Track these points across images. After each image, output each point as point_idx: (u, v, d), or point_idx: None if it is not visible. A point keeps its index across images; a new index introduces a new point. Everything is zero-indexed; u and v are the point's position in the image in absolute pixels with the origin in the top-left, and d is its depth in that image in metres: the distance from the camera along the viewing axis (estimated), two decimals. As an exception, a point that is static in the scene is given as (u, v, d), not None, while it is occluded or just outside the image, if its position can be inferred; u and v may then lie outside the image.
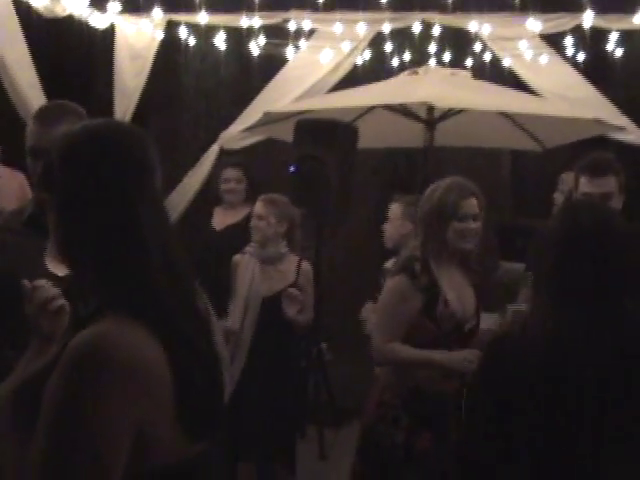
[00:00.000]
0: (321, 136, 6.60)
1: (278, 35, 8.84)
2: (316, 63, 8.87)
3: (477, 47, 8.87)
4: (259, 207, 5.81)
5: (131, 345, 1.85)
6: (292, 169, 6.65)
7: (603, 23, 8.65)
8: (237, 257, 5.87)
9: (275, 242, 5.80)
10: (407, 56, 9.05)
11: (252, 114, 8.57)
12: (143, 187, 1.99)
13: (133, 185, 1.97)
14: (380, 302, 4.43)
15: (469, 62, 9.00)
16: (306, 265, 5.91)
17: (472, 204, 4.26)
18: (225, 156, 8.66)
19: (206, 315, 2.08)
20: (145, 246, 1.95)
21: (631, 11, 8.54)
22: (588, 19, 8.42)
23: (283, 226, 5.82)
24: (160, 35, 8.85)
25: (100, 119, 2.09)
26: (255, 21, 8.58)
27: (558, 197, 7.27)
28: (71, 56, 8.72)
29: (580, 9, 8.43)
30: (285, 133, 7.18)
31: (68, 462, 1.77)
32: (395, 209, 6.20)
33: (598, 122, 7.47)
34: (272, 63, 8.98)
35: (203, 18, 8.46)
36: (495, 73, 8.80)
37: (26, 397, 2.00)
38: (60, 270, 2.65)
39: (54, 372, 1.84)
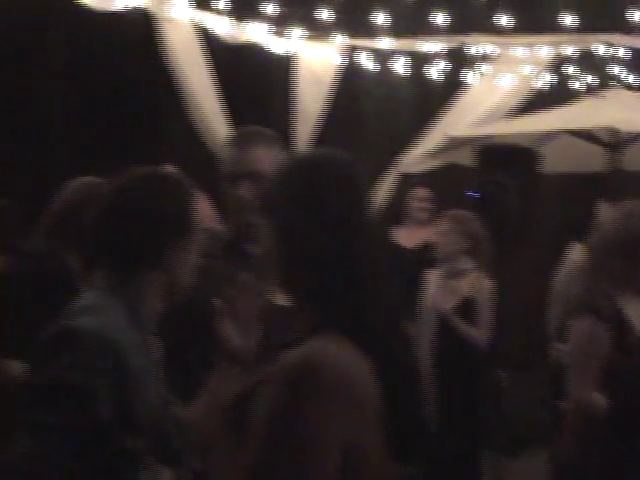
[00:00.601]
0: (503, 161, 6.57)
1: (458, 59, 8.82)
2: (496, 87, 8.80)
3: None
4: (443, 223, 5.87)
5: (342, 364, 1.88)
6: (472, 194, 6.63)
7: None
8: (428, 272, 5.98)
9: (457, 258, 5.83)
10: (590, 79, 8.89)
11: (432, 138, 8.56)
12: (358, 211, 2.05)
13: (349, 209, 2.03)
14: (572, 347, 4.29)
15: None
16: (486, 282, 5.90)
17: None
18: (408, 177, 8.68)
19: (407, 333, 2.11)
20: (358, 268, 2.00)
21: None
22: None
23: (466, 242, 5.84)
24: (340, 60, 8.95)
25: (319, 148, 2.16)
26: (435, 46, 8.59)
27: None
28: (251, 82, 8.88)
29: None
30: (465, 158, 7.16)
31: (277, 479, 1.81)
32: None
33: None
34: (451, 87, 8.96)
35: (384, 43, 8.52)
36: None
37: (236, 414, 2.05)
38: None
39: (266, 389, 1.89)
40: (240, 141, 3.48)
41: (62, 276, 3.83)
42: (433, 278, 5.96)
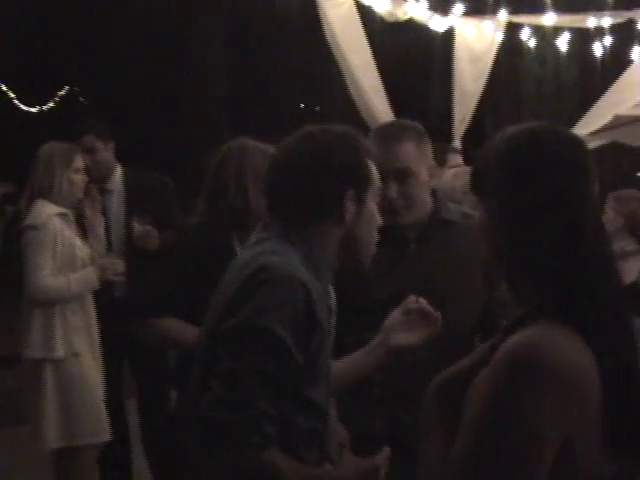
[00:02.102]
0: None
1: (625, 35, 8.54)
2: (664, 64, 8.49)
3: None
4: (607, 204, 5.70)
5: (566, 353, 1.79)
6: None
7: None
8: None
9: (619, 238, 5.62)
10: None
11: (595, 117, 8.32)
12: (584, 193, 1.94)
13: (576, 190, 1.93)
14: None
15: None
16: None
17: None
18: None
19: (632, 329, 1.98)
20: (585, 253, 1.90)
21: None
22: None
23: (620, 221, 5.64)
24: (500, 37, 8.77)
25: (539, 123, 2.05)
26: (603, 21, 8.32)
27: None
28: (410, 60, 8.81)
29: None
30: (632, 137, 6.93)
31: (493, 465, 1.75)
32: None
33: None
34: (616, 64, 8.69)
35: (549, 19, 8.31)
36: None
37: (449, 396, 2.03)
38: None
39: (485, 373, 1.84)
40: (382, 136, 3.39)
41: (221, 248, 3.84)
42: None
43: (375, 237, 2.64)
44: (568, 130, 2.11)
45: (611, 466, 1.88)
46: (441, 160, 7.00)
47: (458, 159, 7.18)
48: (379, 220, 2.66)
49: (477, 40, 8.90)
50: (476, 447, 1.77)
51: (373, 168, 2.64)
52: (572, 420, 1.77)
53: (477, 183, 2.07)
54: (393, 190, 3.30)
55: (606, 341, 1.85)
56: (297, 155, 2.56)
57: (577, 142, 2.02)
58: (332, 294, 2.68)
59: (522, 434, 1.74)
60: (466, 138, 8.67)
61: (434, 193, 3.55)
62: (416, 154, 3.41)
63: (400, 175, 3.33)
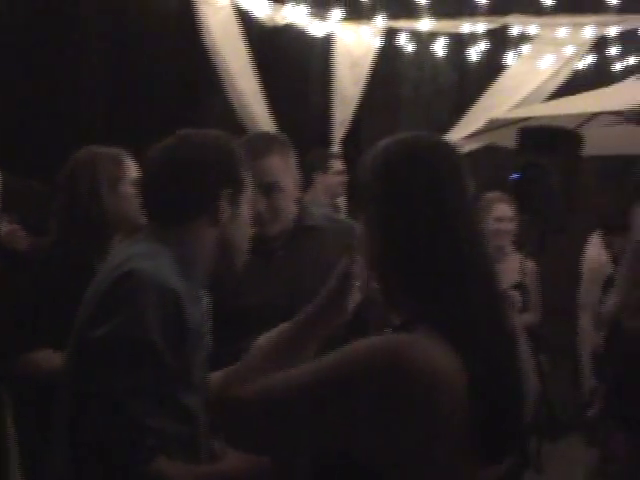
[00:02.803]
0: (544, 143, 6.47)
1: (499, 40, 8.73)
2: (537, 69, 8.71)
3: None
4: (507, 208, 5.81)
5: (426, 357, 1.83)
6: (514, 176, 6.53)
7: None
8: None
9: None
10: (632, 60, 8.78)
11: (471, 121, 8.50)
12: (458, 201, 1.99)
13: (450, 200, 1.98)
14: None
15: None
16: (530, 264, 5.84)
17: None
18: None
19: (513, 332, 2.03)
20: (460, 261, 1.94)
21: None
22: None
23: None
24: (378, 42, 8.89)
25: (414, 133, 2.09)
26: (476, 27, 8.50)
27: None
28: (289, 64, 8.86)
29: None
30: (507, 139, 7.08)
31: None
32: None
33: None
34: (491, 69, 8.88)
35: (425, 25, 8.45)
36: None
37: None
38: None
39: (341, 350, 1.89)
40: (253, 151, 3.34)
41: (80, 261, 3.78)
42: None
43: (248, 243, 2.66)
44: (441, 139, 2.15)
45: (484, 470, 1.94)
46: (324, 167, 7.07)
47: (339, 165, 7.25)
48: (251, 229, 2.68)
49: (356, 45, 9.01)
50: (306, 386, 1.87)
51: (247, 173, 2.66)
52: (429, 424, 1.82)
53: (357, 193, 2.10)
54: (261, 204, 3.33)
55: (477, 348, 1.89)
56: (171, 154, 2.58)
57: (450, 151, 2.07)
58: (206, 298, 2.68)
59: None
60: (345, 142, 8.77)
61: (298, 201, 3.59)
62: (283, 167, 3.45)
63: (268, 189, 3.37)
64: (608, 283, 6.06)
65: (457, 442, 1.85)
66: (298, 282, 3.37)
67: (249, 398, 1.91)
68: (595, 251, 6.84)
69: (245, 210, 2.64)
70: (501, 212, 5.86)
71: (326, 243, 3.44)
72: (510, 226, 5.84)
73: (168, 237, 2.51)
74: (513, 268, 5.81)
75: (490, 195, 5.98)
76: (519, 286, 5.70)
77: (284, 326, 2.22)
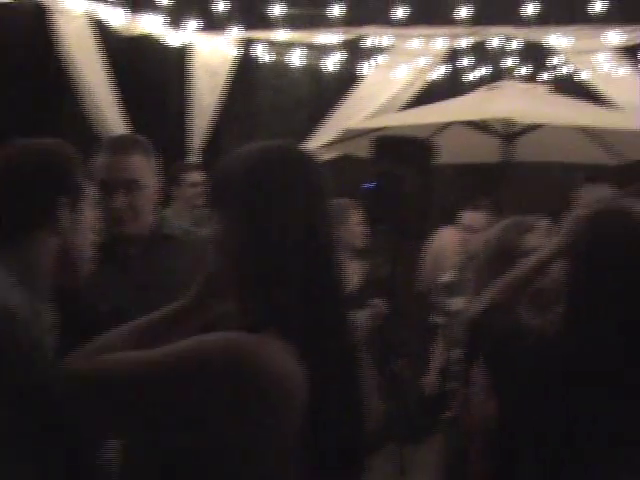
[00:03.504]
0: (398, 152, 6.57)
1: (355, 51, 8.85)
2: (391, 79, 8.86)
3: (555, 61, 8.81)
4: (355, 214, 5.90)
5: (264, 357, 1.86)
6: (369, 186, 6.61)
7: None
8: None
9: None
10: (484, 71, 9.01)
11: (327, 130, 8.59)
12: (312, 209, 2.02)
13: (303, 208, 2.00)
14: None
15: (547, 76, 8.94)
16: (356, 265, 5.98)
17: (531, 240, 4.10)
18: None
19: (353, 336, 2.07)
20: (307, 267, 1.96)
21: None
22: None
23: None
24: (236, 52, 8.92)
25: (272, 142, 2.10)
26: (332, 37, 8.60)
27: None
28: (147, 74, 8.81)
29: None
30: (361, 149, 7.18)
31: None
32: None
33: (680, 136, 7.36)
34: (348, 79, 8.99)
35: (280, 35, 8.51)
36: (573, 87, 8.72)
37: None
38: None
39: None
40: (116, 148, 3.41)
41: None
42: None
43: (91, 250, 2.60)
44: (298, 148, 2.16)
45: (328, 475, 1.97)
46: (179, 180, 7.02)
47: (195, 176, 7.21)
48: (96, 236, 2.63)
49: (213, 55, 9.02)
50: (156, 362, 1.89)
51: (86, 180, 2.61)
52: (261, 424, 1.85)
53: (211, 198, 2.11)
54: (119, 201, 3.33)
55: (319, 355, 1.92)
56: (4, 164, 2.50)
57: (306, 158, 2.09)
58: (49, 311, 2.62)
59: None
60: (204, 152, 8.75)
61: (156, 209, 3.59)
62: (144, 167, 3.45)
63: (128, 186, 3.36)
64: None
65: (290, 445, 1.88)
66: (152, 291, 3.35)
67: (90, 370, 1.92)
68: (444, 239, 7.03)
69: (87, 217, 2.56)
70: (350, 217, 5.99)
71: (182, 254, 3.43)
72: (359, 229, 5.95)
73: (5, 250, 2.45)
74: (354, 273, 5.93)
75: (340, 201, 6.08)
76: (361, 291, 5.82)
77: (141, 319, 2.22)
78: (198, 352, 1.86)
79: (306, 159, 2.08)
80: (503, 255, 3.98)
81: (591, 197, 5.09)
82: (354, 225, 5.95)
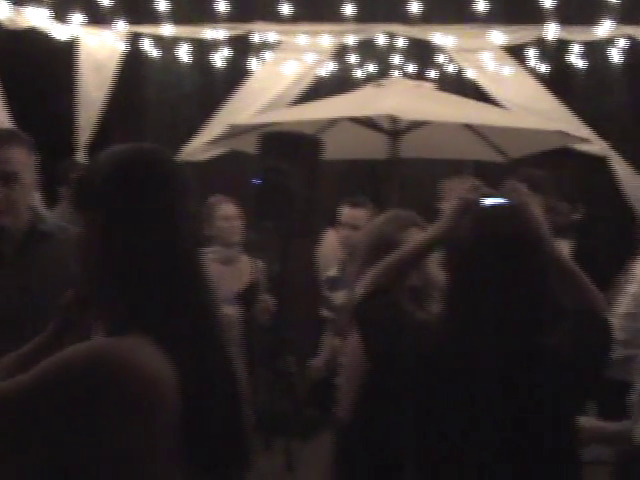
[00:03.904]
0: (285, 148, 6.57)
1: (242, 47, 8.84)
2: (280, 75, 8.89)
3: (441, 59, 8.93)
4: (232, 207, 5.85)
5: (130, 359, 1.85)
6: (256, 181, 6.61)
7: (566, 35, 8.74)
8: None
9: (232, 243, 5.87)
10: (371, 68, 9.08)
11: (215, 126, 8.56)
12: (174, 210, 2.02)
13: (169, 209, 2.01)
14: None
15: (433, 74, 9.06)
16: (260, 263, 5.97)
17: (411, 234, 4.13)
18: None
19: (222, 334, 2.07)
20: (172, 269, 1.97)
21: (594, 23, 8.63)
22: (551, 31, 8.49)
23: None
24: (123, 47, 8.83)
25: (140, 144, 2.10)
26: (219, 33, 8.58)
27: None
28: (33, 68, 8.66)
29: (543, 21, 8.50)
30: (249, 145, 7.15)
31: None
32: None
33: (562, 134, 7.52)
34: (236, 75, 8.97)
35: (167, 30, 8.45)
36: (459, 85, 8.85)
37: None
38: None
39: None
40: None
41: None
42: (210, 269, 5.82)
43: None
44: (160, 150, 2.14)
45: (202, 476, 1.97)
46: (67, 179, 6.90)
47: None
48: None
49: (99, 49, 8.92)
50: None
51: None
52: (131, 431, 1.83)
53: (79, 198, 2.09)
54: None
55: (187, 355, 1.92)
56: None
57: (167, 161, 2.10)
58: None
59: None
60: (92, 148, 8.65)
61: (32, 206, 3.57)
62: (23, 161, 3.45)
63: (6, 179, 3.35)
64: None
65: (168, 445, 1.88)
66: (28, 288, 3.33)
67: None
68: (331, 239, 7.12)
69: None
70: (225, 212, 5.95)
71: (58, 252, 3.40)
72: (237, 224, 5.93)
73: None
74: (246, 268, 5.91)
75: (213, 198, 6.06)
76: (252, 286, 5.81)
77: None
78: (60, 365, 1.84)
79: (167, 161, 2.09)
80: (383, 248, 4.00)
81: (457, 190, 5.19)
82: (229, 221, 5.91)
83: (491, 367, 2.58)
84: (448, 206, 2.93)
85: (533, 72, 8.95)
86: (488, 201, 2.76)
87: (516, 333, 2.59)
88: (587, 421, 3.10)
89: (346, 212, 6.52)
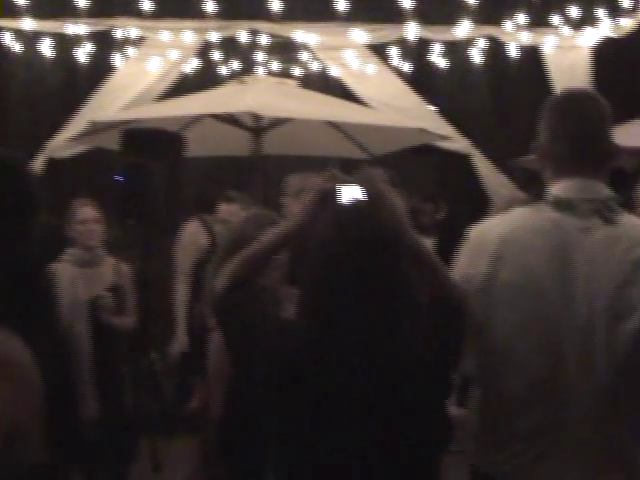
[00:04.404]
0: (148, 145, 6.55)
1: (105, 42, 8.75)
2: (144, 71, 8.83)
3: (305, 56, 8.99)
4: (90, 210, 5.75)
5: None
6: (118, 178, 6.56)
7: (427, 34, 8.90)
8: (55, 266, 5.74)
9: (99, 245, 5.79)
10: (235, 65, 9.08)
11: (79, 122, 8.44)
12: (26, 209, 2.07)
13: (18, 207, 2.05)
14: None
15: (298, 71, 9.11)
16: (124, 267, 5.89)
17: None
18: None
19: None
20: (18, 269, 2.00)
21: (454, 23, 8.81)
22: (412, 30, 8.64)
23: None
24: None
25: None
26: (81, 28, 8.47)
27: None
28: None
29: (405, 20, 8.64)
30: (112, 142, 7.09)
31: None
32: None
33: (423, 131, 7.65)
34: (99, 71, 8.88)
35: (27, 24, 8.31)
36: (323, 82, 8.93)
37: None
38: None
39: None
40: None
41: None
42: (64, 270, 5.69)
43: None
44: (10, 156, 2.16)
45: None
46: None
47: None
48: None
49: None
50: None
51: None
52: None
53: None
54: None
55: (38, 347, 1.94)
56: None
57: (18, 168, 2.12)
58: None
59: None
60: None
61: None
62: None
63: None
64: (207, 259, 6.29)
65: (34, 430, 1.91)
66: None
67: None
68: (191, 230, 7.12)
69: None
70: (83, 215, 5.83)
71: None
72: (95, 227, 5.82)
73: None
74: (108, 271, 5.81)
75: (75, 201, 5.95)
76: (114, 289, 5.72)
77: None
78: None
79: (18, 168, 2.08)
80: (241, 247, 4.03)
81: (298, 185, 5.26)
82: (86, 224, 5.81)
83: (348, 368, 2.58)
84: (305, 197, 2.91)
85: (396, 71, 9.07)
86: (345, 190, 2.74)
87: (373, 332, 2.57)
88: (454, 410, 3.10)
89: (222, 208, 6.52)
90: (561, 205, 2.71)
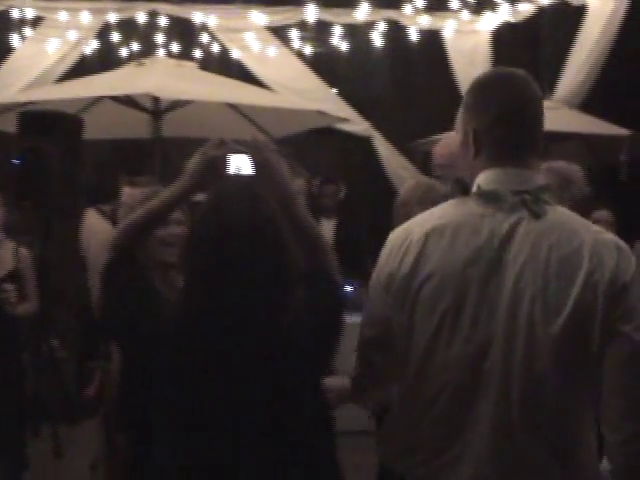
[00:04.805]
0: (45, 128, 6.48)
1: (3, 23, 8.61)
2: (43, 52, 8.70)
3: (205, 38, 8.97)
4: None
5: None
6: (15, 161, 6.49)
7: (327, 17, 8.94)
8: None
9: None
10: (135, 47, 9.02)
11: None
12: None
13: None
14: None
15: (198, 53, 9.08)
16: (24, 251, 5.84)
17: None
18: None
19: None
20: None
21: (354, 6, 8.87)
22: (312, 13, 8.67)
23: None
24: None
25: None
26: (-25, 8, 8.36)
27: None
28: None
29: (304, 3, 8.68)
30: (10, 124, 7.00)
31: None
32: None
33: (322, 114, 7.70)
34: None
35: None
36: (224, 65, 8.92)
37: None
38: None
39: None
40: None
41: None
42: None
43: None
44: None
45: None
46: None
47: None
48: None
49: None
50: None
51: None
52: None
53: None
54: None
55: None
56: None
57: None
58: None
59: None
60: None
61: None
62: None
63: None
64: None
65: None
66: None
67: None
68: (92, 220, 7.07)
69: None
70: None
71: None
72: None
73: None
74: (7, 255, 5.75)
75: None
76: (14, 275, 5.68)
77: None
78: None
79: None
80: None
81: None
82: None
83: (225, 350, 2.57)
84: (191, 162, 2.89)
85: (297, 53, 9.10)
86: (232, 158, 2.74)
87: (252, 313, 2.57)
88: (334, 381, 3.04)
89: (125, 191, 6.47)
90: (487, 198, 2.56)
